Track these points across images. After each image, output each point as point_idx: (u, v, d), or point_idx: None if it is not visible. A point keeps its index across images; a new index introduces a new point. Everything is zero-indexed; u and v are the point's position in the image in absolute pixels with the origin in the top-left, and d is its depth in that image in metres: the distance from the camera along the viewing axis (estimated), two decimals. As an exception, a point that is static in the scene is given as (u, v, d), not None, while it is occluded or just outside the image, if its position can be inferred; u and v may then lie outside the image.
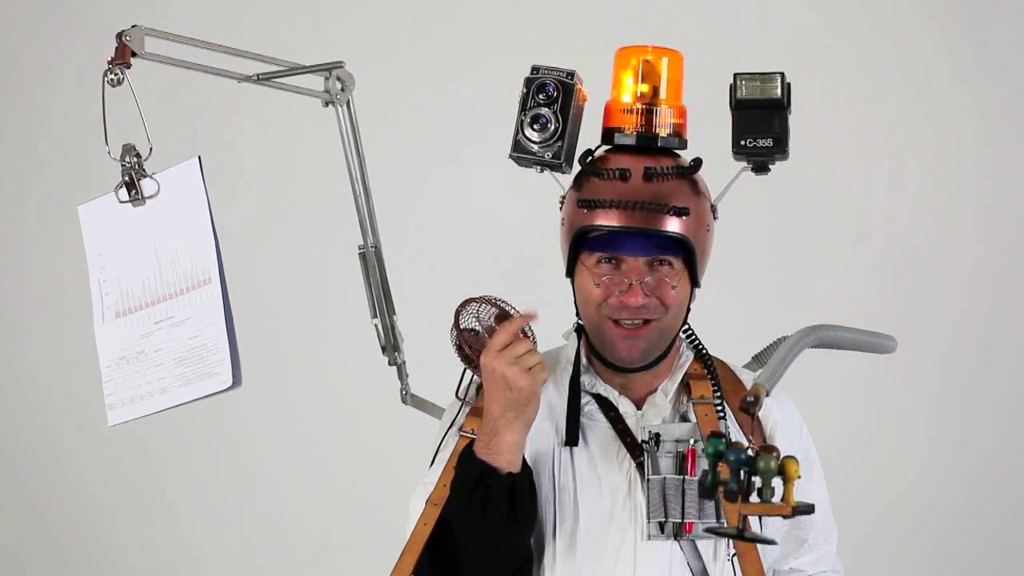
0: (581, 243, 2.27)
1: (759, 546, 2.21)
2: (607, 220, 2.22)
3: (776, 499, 1.66)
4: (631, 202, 2.21)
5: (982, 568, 4.09)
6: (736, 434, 2.30)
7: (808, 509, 1.67)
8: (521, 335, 2.21)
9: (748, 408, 1.77)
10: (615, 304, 2.24)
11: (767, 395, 1.79)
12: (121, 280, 2.29)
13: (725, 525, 2.19)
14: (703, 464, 2.21)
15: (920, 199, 4.09)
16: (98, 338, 2.32)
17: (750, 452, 1.65)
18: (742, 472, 1.66)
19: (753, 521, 2.16)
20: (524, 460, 2.21)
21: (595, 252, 2.25)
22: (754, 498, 1.66)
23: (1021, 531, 4.09)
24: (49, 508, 4.48)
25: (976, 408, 4.07)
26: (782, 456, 1.66)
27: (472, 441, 2.21)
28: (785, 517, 1.67)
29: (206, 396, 2.23)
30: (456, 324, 2.25)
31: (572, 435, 2.29)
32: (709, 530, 2.08)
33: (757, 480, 1.66)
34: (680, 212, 2.22)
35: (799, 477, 1.66)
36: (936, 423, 4.10)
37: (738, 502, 1.66)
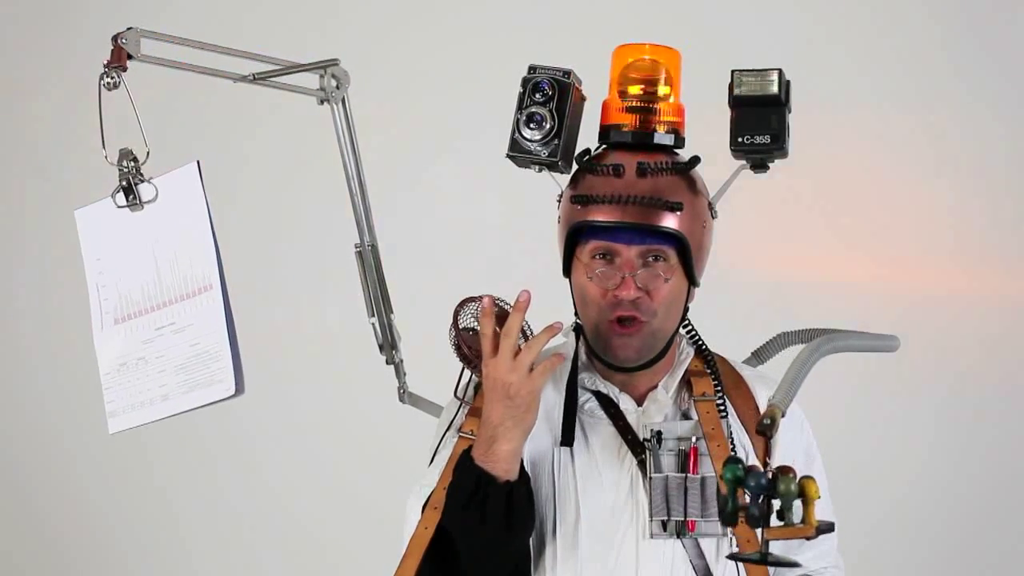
0: (576, 239, 2.31)
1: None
2: (601, 215, 2.26)
3: (796, 519, 1.69)
4: (625, 197, 2.25)
5: (985, 568, 4.13)
6: (737, 431, 2.34)
7: (828, 528, 1.71)
8: (521, 335, 2.23)
9: (765, 431, 1.80)
10: (610, 300, 2.27)
11: (783, 416, 1.82)
12: (120, 286, 2.31)
13: (738, 545, 2.23)
14: (705, 462, 2.28)
15: (921, 197, 4.12)
16: (97, 344, 2.33)
17: (769, 476, 1.68)
18: (761, 497, 1.69)
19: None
20: (522, 466, 2.24)
21: (589, 242, 2.29)
22: (774, 521, 1.70)
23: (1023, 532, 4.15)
24: (50, 513, 4.52)
25: (978, 409, 4.11)
26: (799, 477, 1.69)
27: (470, 447, 2.24)
28: (808, 539, 1.71)
29: (209, 404, 2.25)
30: (455, 323, 2.28)
31: (568, 435, 2.33)
32: (732, 557, 2.11)
33: (776, 502, 1.69)
34: (674, 207, 2.25)
35: (819, 497, 1.70)
36: (939, 423, 4.13)
37: (760, 527, 1.69)
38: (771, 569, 2.30)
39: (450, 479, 2.24)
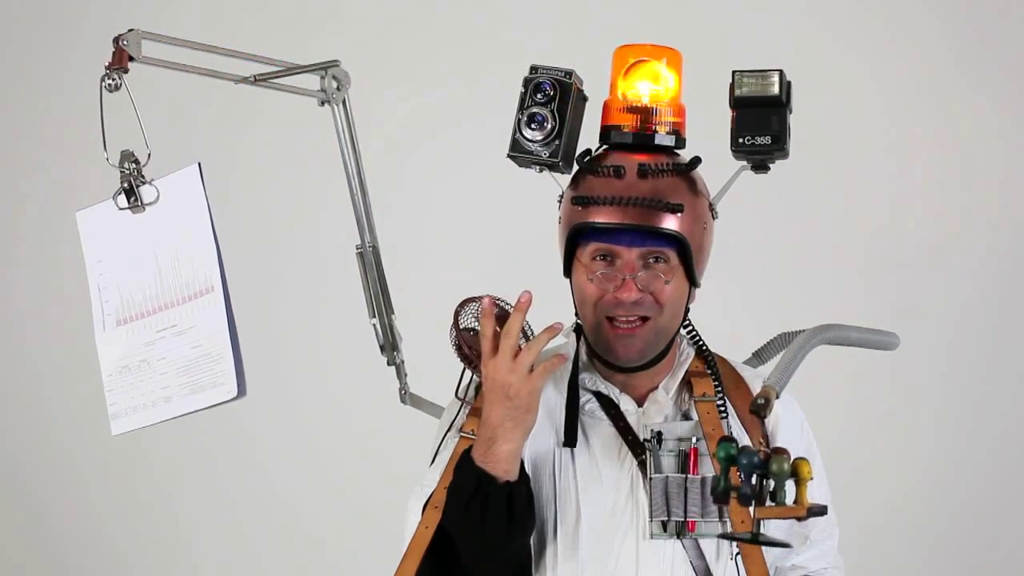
0: (577, 240, 2.32)
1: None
2: (602, 217, 2.28)
3: (788, 501, 1.71)
4: (626, 198, 2.26)
5: (986, 568, 4.13)
6: (738, 432, 2.35)
7: (822, 511, 1.72)
8: (522, 335, 2.25)
9: (759, 411, 1.82)
10: (610, 301, 2.29)
11: (777, 397, 1.84)
12: (121, 288, 2.33)
13: (733, 529, 2.22)
14: (706, 463, 2.30)
15: (923, 197, 4.12)
16: (99, 346, 2.35)
17: (762, 455, 1.70)
18: (754, 476, 1.71)
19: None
20: (522, 467, 2.26)
21: (589, 243, 2.30)
22: (767, 502, 1.71)
23: (1024, 530, 4.16)
24: (50, 513, 4.54)
25: (979, 407, 4.11)
26: (793, 458, 1.71)
27: (471, 447, 2.26)
28: (800, 519, 1.72)
29: (211, 406, 2.27)
30: (455, 324, 2.29)
31: (570, 436, 2.34)
32: (724, 536, 2.14)
33: (769, 483, 1.71)
34: (675, 208, 2.27)
35: (812, 478, 1.71)
36: (940, 422, 4.14)
37: (752, 507, 1.71)
38: (771, 570, 2.32)
39: (451, 479, 2.26)
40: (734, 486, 1.73)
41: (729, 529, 2.24)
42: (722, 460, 1.75)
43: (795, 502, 1.72)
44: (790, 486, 1.73)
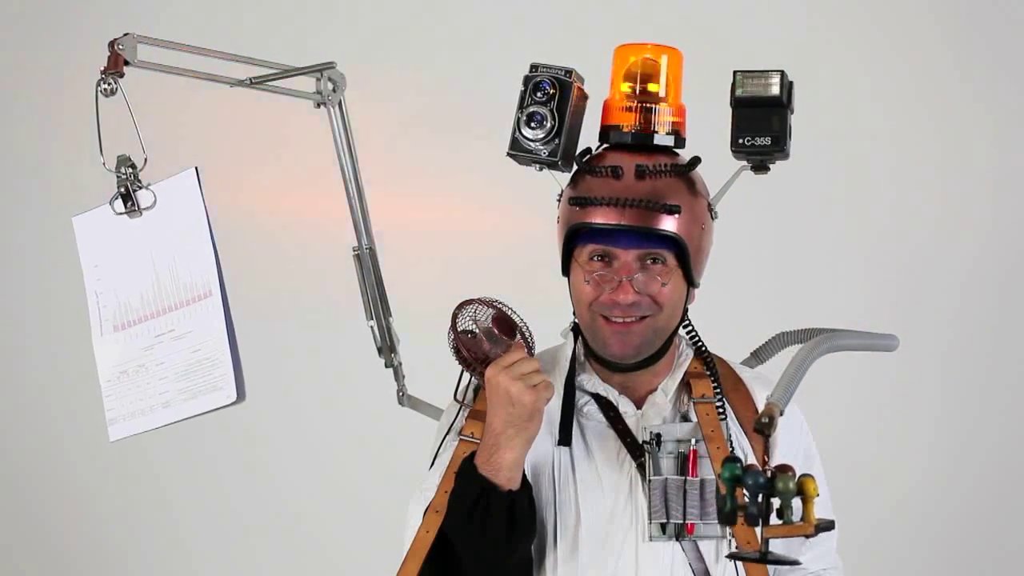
0: (574, 240, 2.33)
1: (761, 547, 2.28)
2: (599, 218, 2.29)
3: (795, 518, 1.72)
4: (623, 199, 2.27)
5: (986, 568, 4.16)
6: (736, 433, 2.37)
7: (829, 526, 1.73)
8: (520, 336, 2.28)
9: (763, 429, 1.83)
10: (606, 301, 2.30)
11: (780, 415, 1.85)
12: (118, 293, 2.34)
13: (738, 545, 2.25)
14: (705, 465, 2.31)
15: (922, 198, 4.14)
16: (97, 351, 2.36)
17: (767, 474, 1.71)
18: (760, 495, 1.72)
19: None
20: (524, 475, 2.27)
21: (587, 244, 2.31)
22: (774, 519, 1.72)
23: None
24: (51, 514, 4.56)
25: (979, 407, 4.13)
26: (798, 475, 1.72)
27: (472, 453, 2.27)
28: (807, 536, 1.73)
29: (210, 411, 2.28)
30: (453, 326, 2.30)
31: (565, 435, 2.36)
32: (732, 556, 2.16)
33: (775, 501, 1.72)
34: (672, 210, 2.28)
35: (817, 495, 1.73)
36: (939, 423, 4.16)
37: (759, 526, 1.72)
38: (771, 570, 2.34)
39: (451, 484, 2.28)
40: (740, 506, 1.74)
41: (733, 543, 2.27)
42: (727, 481, 1.75)
43: (802, 518, 1.73)
44: (796, 501, 1.74)
